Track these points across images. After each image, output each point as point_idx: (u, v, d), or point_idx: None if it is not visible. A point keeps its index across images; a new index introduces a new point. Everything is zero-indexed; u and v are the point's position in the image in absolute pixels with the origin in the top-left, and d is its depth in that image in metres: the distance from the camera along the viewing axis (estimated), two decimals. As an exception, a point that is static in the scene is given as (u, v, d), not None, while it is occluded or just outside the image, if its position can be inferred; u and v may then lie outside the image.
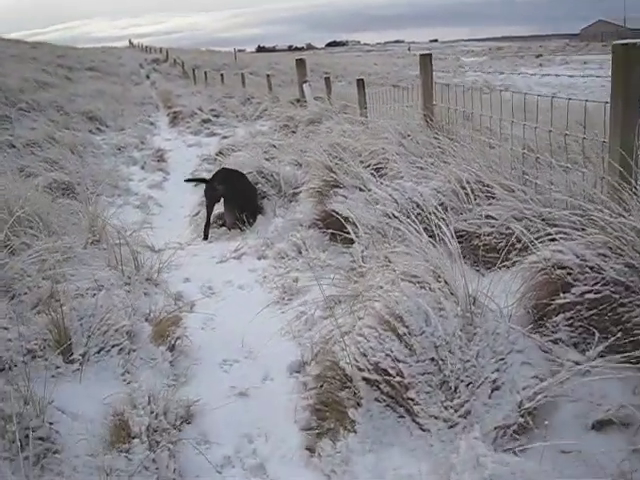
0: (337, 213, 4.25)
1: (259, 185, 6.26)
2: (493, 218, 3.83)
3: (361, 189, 4.56)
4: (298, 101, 13.98)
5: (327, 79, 11.76)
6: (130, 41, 68.54)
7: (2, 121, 12.18)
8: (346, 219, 4.01)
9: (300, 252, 4.84)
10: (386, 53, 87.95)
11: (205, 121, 14.64)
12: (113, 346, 3.46)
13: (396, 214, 3.68)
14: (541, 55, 63.29)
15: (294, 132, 11.24)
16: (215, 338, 4.12)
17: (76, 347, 3.36)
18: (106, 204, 8.59)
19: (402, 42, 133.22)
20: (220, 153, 10.27)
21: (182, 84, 26.46)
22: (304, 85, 13.61)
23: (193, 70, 27.95)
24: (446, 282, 2.92)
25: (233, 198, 6.07)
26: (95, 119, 14.34)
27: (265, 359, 3.76)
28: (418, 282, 2.96)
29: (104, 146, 12.39)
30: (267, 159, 8.62)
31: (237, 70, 32.20)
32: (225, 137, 12.51)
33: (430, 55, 6.16)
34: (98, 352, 3.41)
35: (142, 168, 11.10)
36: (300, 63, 12.94)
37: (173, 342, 3.78)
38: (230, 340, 4.03)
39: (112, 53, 47.89)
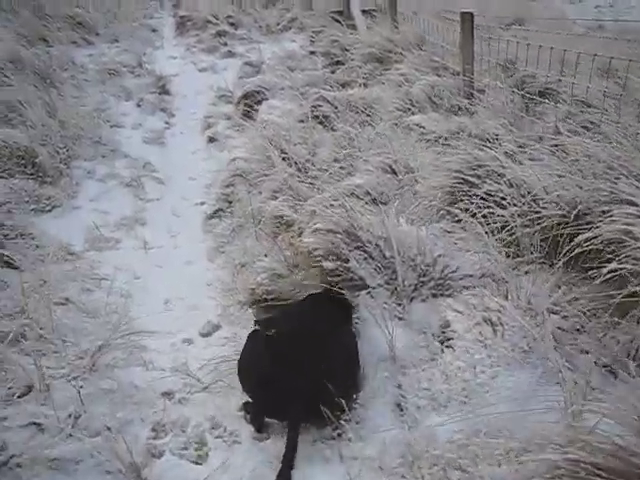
0: None
1: (351, 263, 3.05)
2: None
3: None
4: (341, 14, 11.01)
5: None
6: None
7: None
8: None
9: None
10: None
11: (220, 34, 11.55)
12: None
13: None
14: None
15: (339, 64, 8.43)
16: None
17: None
18: (82, 176, 5.99)
19: None
20: (245, 99, 7.46)
21: (191, -28, 22.84)
22: (351, -5, 10.60)
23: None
24: None
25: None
26: (82, 25, 11.26)
27: None
28: None
29: (90, 67, 9.44)
30: (321, 123, 5.96)
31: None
32: (248, 62, 9.57)
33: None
34: None
35: (138, 105, 8.25)
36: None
37: None
38: None
39: None
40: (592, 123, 4.34)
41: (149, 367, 3.20)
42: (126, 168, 6.28)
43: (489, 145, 3.92)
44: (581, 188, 3.00)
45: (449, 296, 2.96)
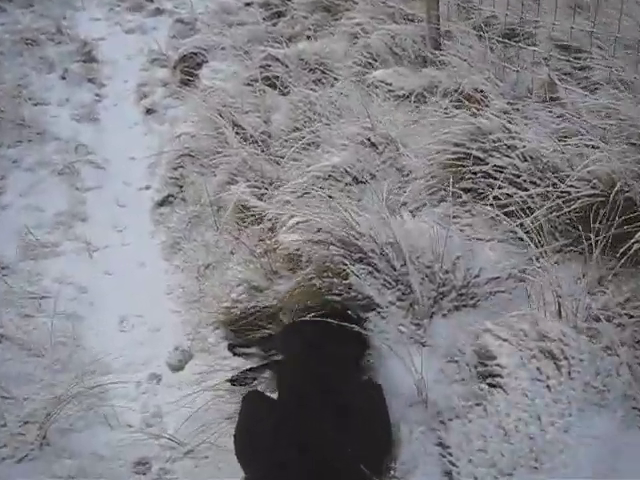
0: None
1: (351, 279, 2.43)
2: None
3: None
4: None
5: None
6: None
7: None
8: None
9: None
10: None
11: (146, -11, 10.62)
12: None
13: None
14: None
15: (280, 16, 7.70)
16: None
17: None
18: (8, 167, 5.30)
19: None
20: (182, 62, 6.72)
21: None
22: None
23: None
24: None
25: None
26: (-9, -11, 10.22)
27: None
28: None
29: (5, 37, 8.53)
30: (272, 85, 5.30)
31: None
32: (180, 20, 8.74)
33: None
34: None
35: (63, 77, 7.43)
36: None
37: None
38: None
39: None
40: (583, 69, 3.82)
41: (113, 424, 2.60)
42: (57, 153, 5.58)
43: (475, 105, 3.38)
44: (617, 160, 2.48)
45: (473, 306, 2.43)
